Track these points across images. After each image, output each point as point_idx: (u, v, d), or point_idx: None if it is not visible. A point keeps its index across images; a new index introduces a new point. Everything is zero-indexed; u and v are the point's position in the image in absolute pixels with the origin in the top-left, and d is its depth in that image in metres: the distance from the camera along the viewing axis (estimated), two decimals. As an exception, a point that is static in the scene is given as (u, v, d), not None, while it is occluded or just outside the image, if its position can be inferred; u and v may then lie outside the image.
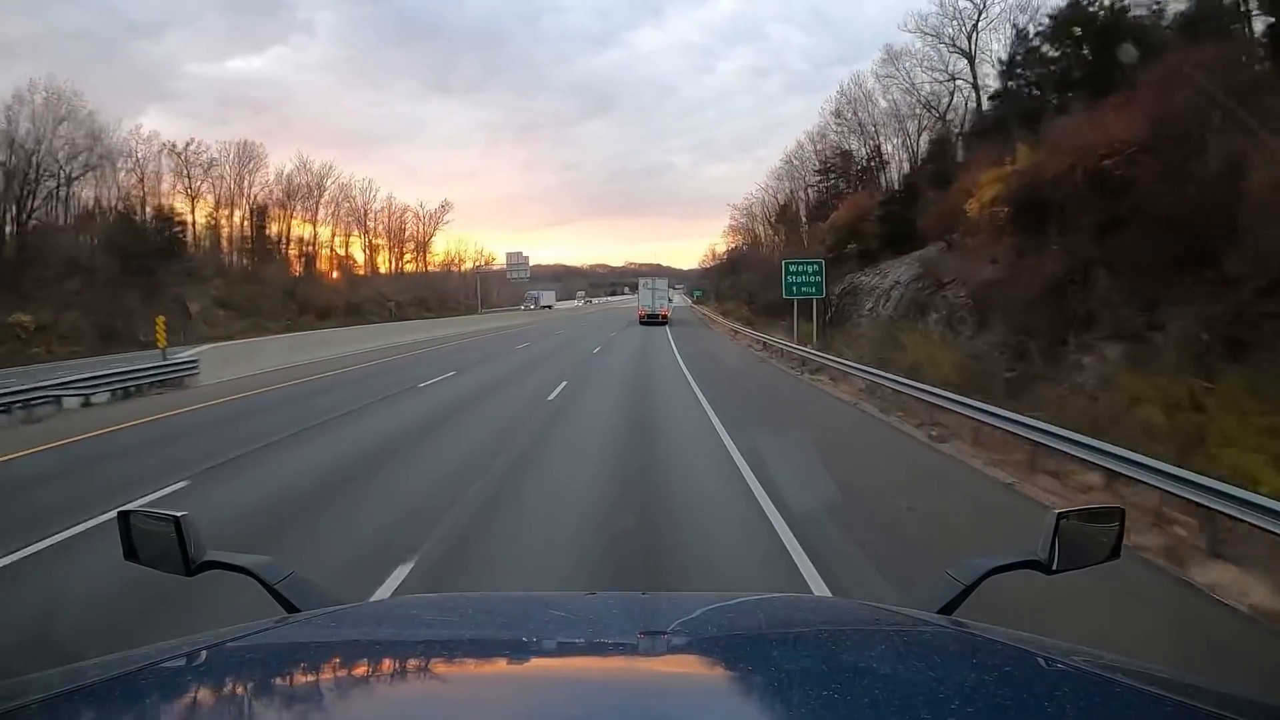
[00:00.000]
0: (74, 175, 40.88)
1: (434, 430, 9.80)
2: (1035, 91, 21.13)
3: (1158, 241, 11.91)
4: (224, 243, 49.43)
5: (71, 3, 78.92)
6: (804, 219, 44.64)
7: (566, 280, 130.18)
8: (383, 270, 63.28)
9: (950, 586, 1.32)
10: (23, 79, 36.21)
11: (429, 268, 68.56)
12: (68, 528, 5.43)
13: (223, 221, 49.34)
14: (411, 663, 1.01)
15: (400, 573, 4.51)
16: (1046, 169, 13.64)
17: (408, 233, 65.61)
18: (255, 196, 50.45)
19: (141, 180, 44.36)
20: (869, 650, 1.10)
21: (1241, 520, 4.74)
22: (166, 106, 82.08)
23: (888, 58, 33.28)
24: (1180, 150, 11.67)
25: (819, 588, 4.27)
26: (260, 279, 47.99)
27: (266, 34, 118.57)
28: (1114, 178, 12.25)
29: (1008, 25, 26.65)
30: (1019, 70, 21.52)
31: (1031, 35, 21.32)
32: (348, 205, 57.64)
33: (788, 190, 48.17)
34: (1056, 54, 19.90)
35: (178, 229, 44.50)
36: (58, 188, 40.62)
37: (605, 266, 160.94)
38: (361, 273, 60.10)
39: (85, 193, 41.11)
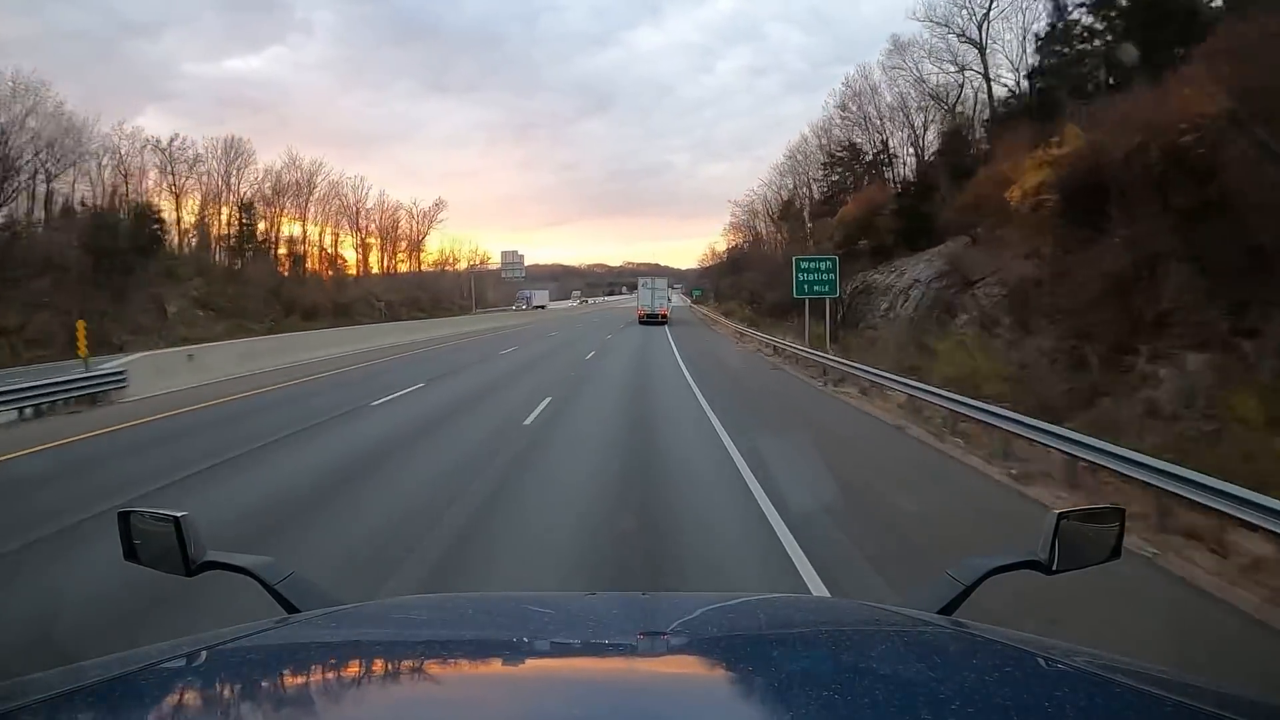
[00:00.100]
0: (53, 172, 39.50)
1: (356, 480, 6.97)
2: (1075, 70, 19.18)
3: (1249, 232, 10.04)
4: (211, 241, 47.70)
5: (69, 3, 77.64)
6: (808, 215, 43.11)
7: (564, 280, 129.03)
8: (375, 270, 61.66)
9: (950, 587, 1.29)
10: (-10, 70, 34.19)
11: (423, 267, 67.10)
12: None
13: (210, 220, 47.67)
14: (411, 663, 1.01)
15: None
16: (1109, 149, 11.72)
17: (401, 231, 63.95)
18: (243, 194, 48.77)
19: (125, 177, 42.77)
20: (869, 651, 1.09)
21: None
22: (164, 106, 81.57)
23: (894, 48, 32.58)
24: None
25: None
26: (244, 278, 46.43)
27: (264, 33, 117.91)
28: (1196, 158, 10.35)
29: (1019, 13, 25.76)
30: (1056, 47, 19.60)
31: (1070, 7, 19.41)
32: (339, 203, 56.00)
33: (791, 186, 46.82)
34: (1102, 25, 17.97)
35: (156, 226, 42.59)
36: (32, 184, 39.12)
37: (603, 266, 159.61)
38: (353, 272, 58.60)
39: (65, 189, 39.74)
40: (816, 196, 43.08)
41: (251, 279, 46.37)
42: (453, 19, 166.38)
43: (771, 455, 7.43)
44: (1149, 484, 5.47)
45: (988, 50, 27.89)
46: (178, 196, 46.35)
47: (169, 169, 45.83)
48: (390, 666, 1.01)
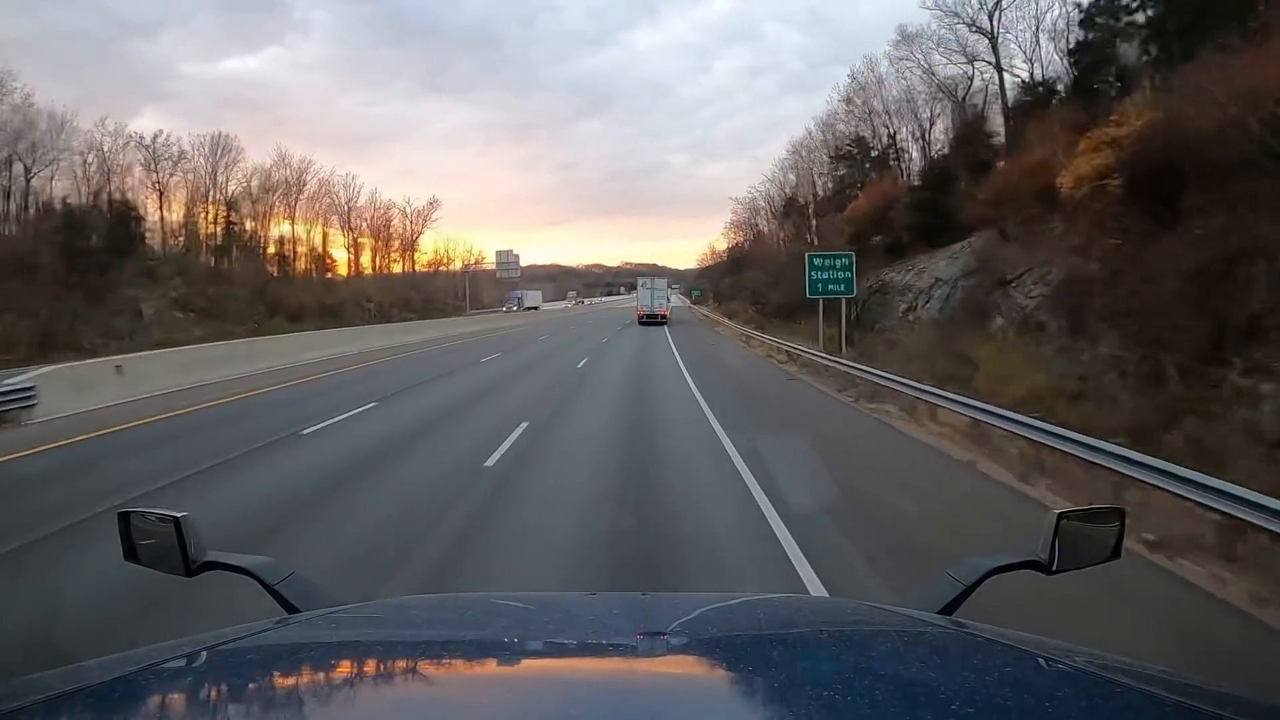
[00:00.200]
0: (30, 169, 37.86)
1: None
2: (1118, 46, 17.37)
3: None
4: (197, 241, 45.96)
5: (67, 3, 76.30)
6: (813, 211, 41.52)
7: (562, 280, 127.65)
8: (367, 270, 59.91)
9: (950, 587, 1.28)
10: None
11: (417, 267, 65.29)
12: None
13: (196, 218, 45.86)
14: (412, 663, 1.00)
15: None
16: (1189, 124, 9.88)
17: (394, 231, 62.16)
18: (230, 192, 46.98)
19: (108, 175, 41.00)
20: (869, 651, 1.08)
21: None
22: (162, 106, 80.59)
23: (902, 39, 31.48)
24: None
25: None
26: (227, 278, 44.69)
27: (262, 34, 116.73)
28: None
29: (1032, 1, 24.93)
30: (1098, 19, 17.80)
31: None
32: (329, 201, 54.14)
33: (794, 182, 45.22)
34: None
35: (135, 225, 40.79)
36: (8, 180, 37.48)
37: (601, 266, 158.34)
38: (343, 272, 56.80)
39: (46, 188, 38.08)
40: (822, 193, 41.60)
41: (236, 279, 44.72)
42: (451, 19, 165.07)
43: (832, 522, 5.37)
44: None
45: (1000, 40, 26.97)
46: (161, 194, 44.58)
47: (153, 166, 44.08)
48: (390, 667, 1.01)
